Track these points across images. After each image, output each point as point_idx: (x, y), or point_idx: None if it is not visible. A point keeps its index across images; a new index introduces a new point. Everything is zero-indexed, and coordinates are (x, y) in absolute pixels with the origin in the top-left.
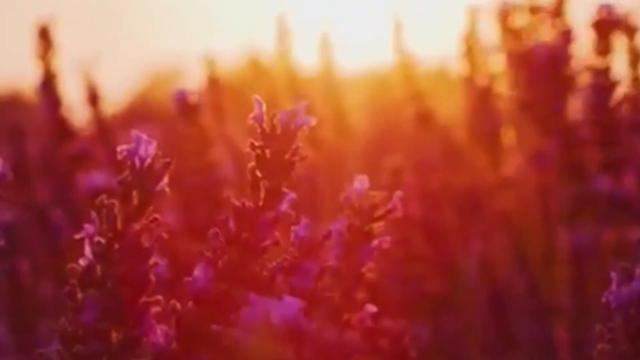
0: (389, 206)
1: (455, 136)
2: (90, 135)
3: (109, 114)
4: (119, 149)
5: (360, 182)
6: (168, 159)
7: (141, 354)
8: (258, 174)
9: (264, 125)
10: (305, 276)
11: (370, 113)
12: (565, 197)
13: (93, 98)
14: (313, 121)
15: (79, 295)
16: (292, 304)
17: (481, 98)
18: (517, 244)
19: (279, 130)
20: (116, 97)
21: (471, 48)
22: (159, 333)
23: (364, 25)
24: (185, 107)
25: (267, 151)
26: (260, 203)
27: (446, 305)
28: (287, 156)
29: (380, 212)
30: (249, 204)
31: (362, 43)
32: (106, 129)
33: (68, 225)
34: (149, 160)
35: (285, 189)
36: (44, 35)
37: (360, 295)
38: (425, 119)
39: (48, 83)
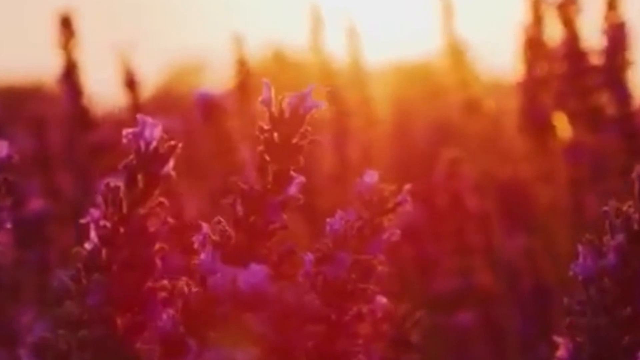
0: (399, 199)
1: (502, 126)
2: (115, 122)
3: (145, 99)
4: (124, 132)
5: (370, 175)
6: (174, 143)
7: (147, 339)
8: (266, 157)
9: (273, 109)
10: (339, 267)
11: (403, 104)
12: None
13: (130, 82)
14: (322, 105)
15: (84, 280)
16: (257, 271)
17: (534, 90)
18: (557, 236)
19: (287, 114)
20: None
21: (531, 40)
22: (165, 317)
23: (399, 16)
24: (208, 109)
25: (275, 135)
26: (268, 186)
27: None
28: (295, 140)
29: (389, 205)
30: (256, 187)
31: (398, 33)
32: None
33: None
34: (154, 144)
35: (293, 173)
36: (66, 25)
37: (372, 286)
38: (473, 107)
39: (70, 73)
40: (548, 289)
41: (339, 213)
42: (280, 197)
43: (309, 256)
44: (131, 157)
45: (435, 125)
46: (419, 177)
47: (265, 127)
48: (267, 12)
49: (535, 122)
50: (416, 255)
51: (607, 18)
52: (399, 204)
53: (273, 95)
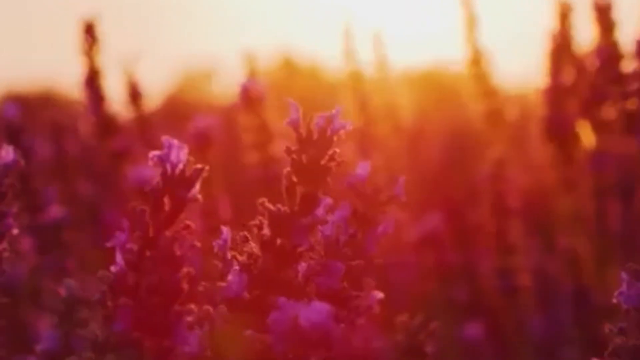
0: (393, 191)
1: (524, 134)
2: (131, 131)
3: (150, 111)
4: (150, 154)
5: (363, 167)
6: (200, 166)
7: None
8: (294, 179)
9: (300, 130)
10: (332, 276)
11: (426, 111)
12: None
13: (135, 95)
14: (350, 125)
15: (110, 303)
16: (321, 308)
17: (560, 97)
18: (583, 242)
19: (315, 136)
20: (151, 95)
21: (558, 47)
22: (192, 341)
23: (424, 25)
24: (248, 99)
25: (303, 156)
26: (296, 208)
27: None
28: (323, 162)
29: (383, 197)
30: (284, 209)
31: (422, 42)
32: (147, 126)
33: (113, 222)
34: (180, 167)
35: (321, 195)
36: (89, 32)
37: (368, 281)
38: (496, 116)
39: (92, 79)
40: (575, 293)
41: (330, 220)
42: (308, 220)
43: (302, 266)
44: (157, 180)
45: (458, 132)
46: (443, 184)
47: (293, 148)
48: (280, 21)
49: (561, 130)
50: (442, 261)
51: None
52: (393, 196)
53: (300, 115)
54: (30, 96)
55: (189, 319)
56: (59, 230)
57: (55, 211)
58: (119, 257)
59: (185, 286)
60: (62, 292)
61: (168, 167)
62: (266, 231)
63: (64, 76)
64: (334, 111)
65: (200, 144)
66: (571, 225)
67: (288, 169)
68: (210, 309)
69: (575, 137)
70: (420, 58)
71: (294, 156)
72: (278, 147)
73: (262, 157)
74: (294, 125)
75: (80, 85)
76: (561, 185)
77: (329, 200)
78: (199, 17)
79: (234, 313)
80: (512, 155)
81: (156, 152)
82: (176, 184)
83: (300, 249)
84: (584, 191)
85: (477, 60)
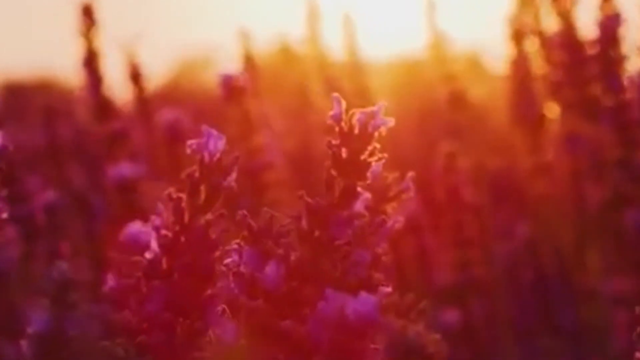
0: (402, 186)
1: (490, 119)
2: (129, 114)
3: (150, 93)
4: (188, 143)
5: (376, 165)
6: (237, 154)
7: (206, 346)
8: (333, 172)
9: (342, 124)
10: (359, 265)
11: (398, 97)
12: (609, 180)
13: (135, 76)
14: (391, 122)
15: (144, 288)
16: (367, 300)
17: (523, 81)
18: (555, 228)
19: (356, 131)
20: (151, 78)
21: (517, 31)
22: (225, 326)
23: (390, 12)
24: (230, 90)
25: (343, 150)
26: (335, 202)
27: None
28: (363, 156)
29: (393, 192)
30: (323, 202)
31: (389, 29)
32: (147, 108)
33: (104, 208)
34: (217, 155)
35: (360, 189)
36: (87, 13)
37: (377, 276)
38: (458, 100)
39: (90, 61)
40: (548, 280)
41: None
42: (347, 213)
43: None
44: (194, 167)
45: (426, 118)
46: (412, 169)
47: (334, 142)
48: (268, 6)
49: (527, 114)
50: (413, 248)
51: (602, 9)
52: (401, 191)
53: (343, 110)
54: (27, 84)
55: (222, 303)
56: (50, 216)
57: (47, 196)
58: (153, 243)
59: (218, 269)
60: (54, 274)
61: (206, 155)
62: (304, 223)
63: (61, 64)
64: (375, 107)
65: (170, 136)
66: (543, 208)
67: (328, 162)
68: (246, 299)
69: (543, 120)
70: (391, 45)
71: (335, 150)
72: (262, 138)
73: (244, 148)
74: (336, 119)
75: (78, 67)
76: (530, 169)
77: (367, 195)
78: (197, 3)
79: (270, 304)
80: (476, 138)
81: (194, 141)
82: (213, 172)
83: (338, 242)
84: (555, 175)
85: (437, 44)
